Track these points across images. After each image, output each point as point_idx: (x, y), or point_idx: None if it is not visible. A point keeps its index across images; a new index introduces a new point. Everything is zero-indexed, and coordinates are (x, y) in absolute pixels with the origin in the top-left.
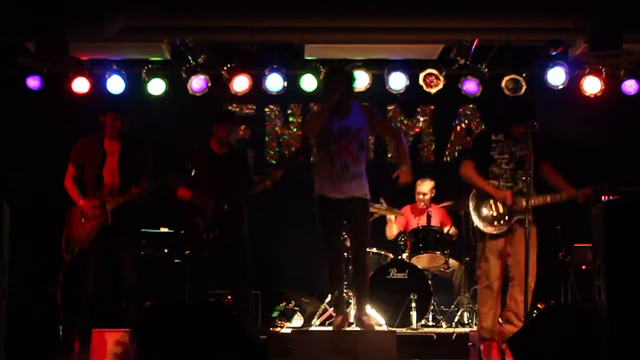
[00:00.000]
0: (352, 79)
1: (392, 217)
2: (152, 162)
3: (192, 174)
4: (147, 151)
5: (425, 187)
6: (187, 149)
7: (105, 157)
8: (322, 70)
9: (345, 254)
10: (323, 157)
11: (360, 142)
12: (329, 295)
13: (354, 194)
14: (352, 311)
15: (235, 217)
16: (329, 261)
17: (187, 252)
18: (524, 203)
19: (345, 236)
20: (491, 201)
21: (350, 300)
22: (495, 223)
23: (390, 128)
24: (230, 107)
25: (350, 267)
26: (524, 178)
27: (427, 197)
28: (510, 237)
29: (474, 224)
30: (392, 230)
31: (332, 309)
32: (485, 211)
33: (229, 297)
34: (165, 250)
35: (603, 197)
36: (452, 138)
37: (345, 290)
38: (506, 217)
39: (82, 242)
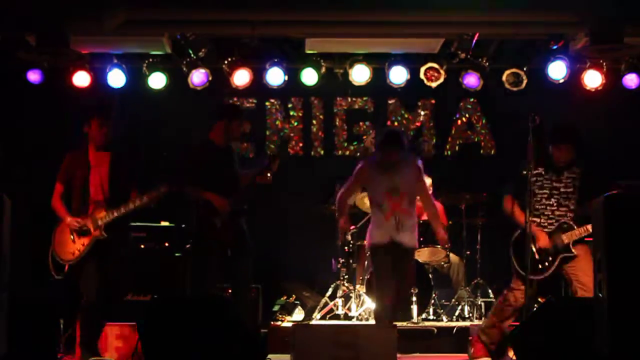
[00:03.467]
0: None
1: None
2: (143, 167)
3: (194, 170)
4: (138, 158)
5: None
6: (187, 143)
7: (89, 170)
8: (322, 64)
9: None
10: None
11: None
12: (330, 289)
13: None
14: (353, 305)
15: (238, 212)
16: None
17: (187, 246)
18: (565, 239)
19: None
20: (532, 246)
21: (350, 295)
22: (539, 266)
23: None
24: (230, 101)
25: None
26: (567, 214)
27: None
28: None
29: (515, 267)
30: None
31: (332, 302)
32: (525, 255)
33: (230, 290)
34: (166, 244)
35: None
36: (453, 132)
37: (346, 285)
38: (549, 259)
39: (73, 259)
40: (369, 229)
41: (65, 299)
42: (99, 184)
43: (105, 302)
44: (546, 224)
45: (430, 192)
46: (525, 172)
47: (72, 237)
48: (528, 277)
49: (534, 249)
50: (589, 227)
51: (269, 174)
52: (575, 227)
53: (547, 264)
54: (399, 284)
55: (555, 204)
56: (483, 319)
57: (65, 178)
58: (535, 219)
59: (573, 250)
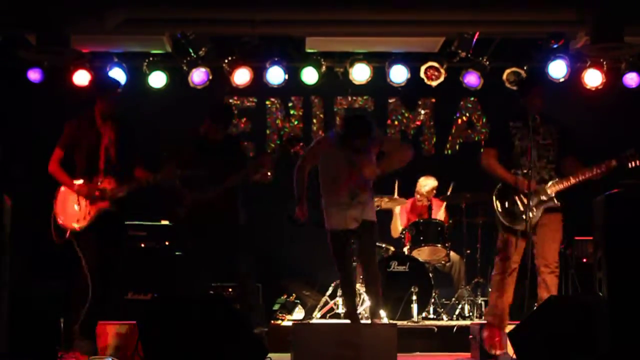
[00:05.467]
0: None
1: (397, 209)
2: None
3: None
4: (136, 134)
5: (426, 188)
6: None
7: (100, 139)
8: (322, 63)
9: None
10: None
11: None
12: (330, 288)
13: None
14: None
15: (228, 209)
16: None
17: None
18: (549, 190)
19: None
20: (516, 196)
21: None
22: (524, 217)
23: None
24: (230, 100)
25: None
26: (547, 166)
27: (427, 196)
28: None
29: (500, 220)
30: (397, 227)
31: (333, 301)
32: (510, 206)
33: (230, 289)
34: (166, 243)
35: (630, 164)
36: (453, 131)
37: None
38: (534, 209)
39: (76, 227)
40: (325, 211)
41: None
42: (106, 154)
43: (104, 282)
44: (528, 177)
45: (434, 194)
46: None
47: (77, 204)
48: (513, 227)
49: (517, 201)
50: (571, 178)
51: (269, 173)
52: (557, 179)
53: (530, 214)
54: (365, 263)
55: (535, 156)
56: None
57: (68, 144)
58: (517, 170)
59: (556, 201)
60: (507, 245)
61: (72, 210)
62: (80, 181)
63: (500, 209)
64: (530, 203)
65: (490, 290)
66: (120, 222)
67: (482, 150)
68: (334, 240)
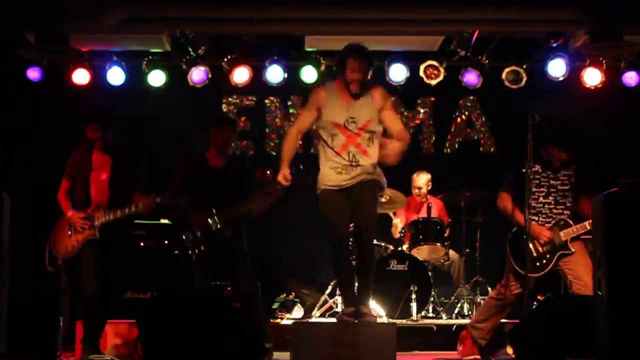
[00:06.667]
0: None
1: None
2: (144, 173)
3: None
4: (139, 163)
5: (421, 180)
6: (186, 141)
7: (92, 171)
8: (322, 61)
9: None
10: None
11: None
12: (329, 287)
13: None
14: None
15: (231, 235)
16: None
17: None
18: (563, 236)
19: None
20: (530, 242)
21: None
22: (537, 264)
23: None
24: (230, 99)
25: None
26: (564, 212)
27: (423, 190)
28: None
29: (513, 265)
30: (397, 228)
31: (332, 300)
32: (523, 252)
33: (229, 288)
34: (166, 242)
35: None
36: (453, 130)
37: None
38: (547, 256)
39: (66, 254)
40: (320, 173)
41: (63, 296)
42: (100, 185)
43: (104, 300)
44: (544, 222)
45: (429, 188)
46: (524, 170)
47: (69, 232)
48: (523, 273)
49: (531, 247)
50: (587, 224)
51: (274, 193)
52: (573, 224)
53: (544, 261)
54: (358, 227)
55: (552, 202)
56: (472, 315)
57: (70, 176)
58: (533, 217)
59: (571, 248)
60: (511, 281)
61: (65, 237)
62: (75, 211)
63: (512, 254)
64: (544, 249)
65: (480, 308)
66: (112, 249)
67: (499, 193)
68: (326, 198)
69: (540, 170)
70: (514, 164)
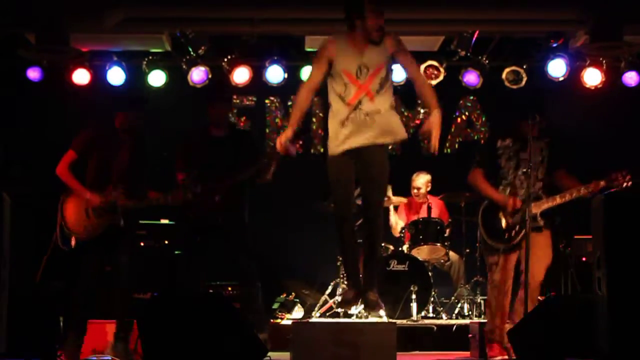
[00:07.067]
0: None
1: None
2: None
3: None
4: (147, 148)
5: (420, 181)
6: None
7: (116, 153)
8: None
9: None
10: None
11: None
12: (329, 287)
13: None
14: None
15: (232, 207)
16: None
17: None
18: (533, 209)
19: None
20: (500, 213)
21: None
22: (506, 235)
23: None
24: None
25: None
26: (535, 184)
27: (422, 191)
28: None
29: (483, 238)
30: (397, 227)
31: (332, 300)
32: (494, 224)
33: (230, 288)
34: (166, 242)
35: (620, 185)
36: (453, 130)
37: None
38: (517, 228)
39: (83, 236)
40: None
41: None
42: (120, 168)
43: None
44: (515, 194)
45: (429, 189)
46: (498, 145)
47: (87, 212)
48: (494, 246)
49: (502, 218)
50: (557, 197)
51: (267, 177)
52: (544, 197)
53: (513, 233)
54: (366, 194)
55: (522, 175)
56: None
57: (82, 151)
58: (504, 189)
59: (540, 221)
60: (493, 270)
61: (82, 218)
62: (90, 191)
63: (483, 228)
64: (513, 220)
65: (486, 310)
66: (125, 238)
67: (470, 170)
68: (332, 167)
69: (510, 145)
70: (487, 140)
